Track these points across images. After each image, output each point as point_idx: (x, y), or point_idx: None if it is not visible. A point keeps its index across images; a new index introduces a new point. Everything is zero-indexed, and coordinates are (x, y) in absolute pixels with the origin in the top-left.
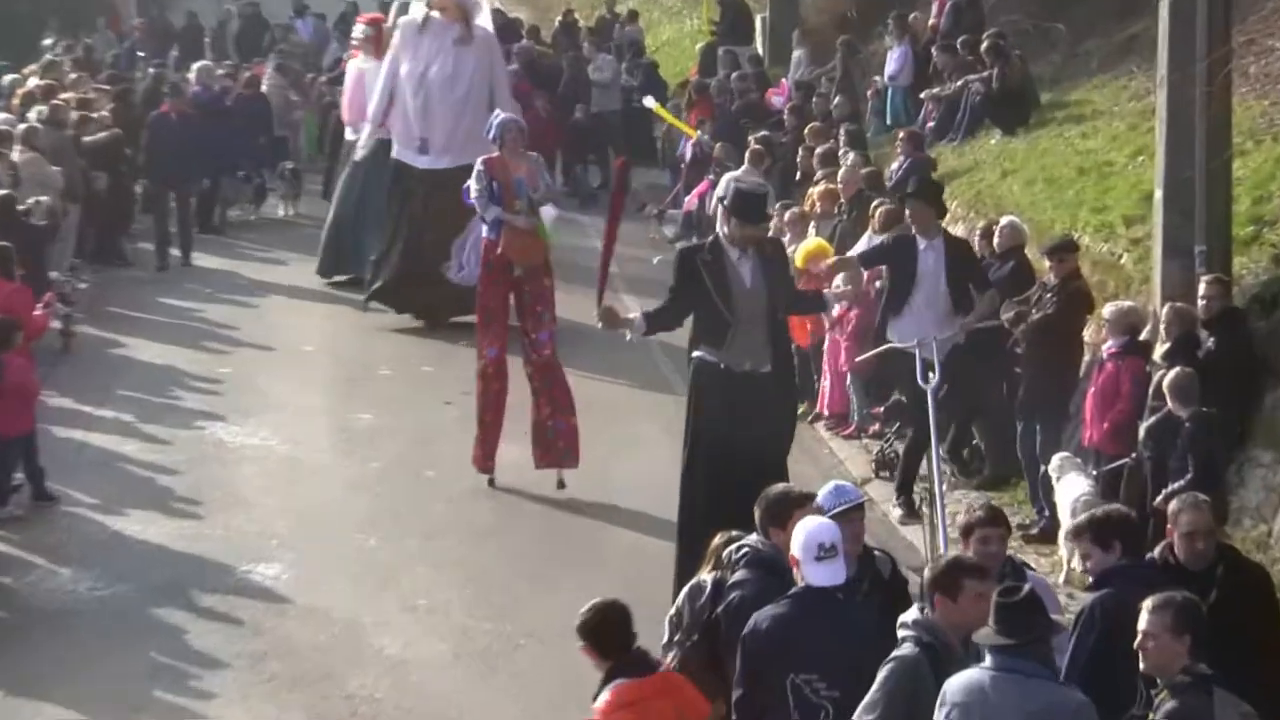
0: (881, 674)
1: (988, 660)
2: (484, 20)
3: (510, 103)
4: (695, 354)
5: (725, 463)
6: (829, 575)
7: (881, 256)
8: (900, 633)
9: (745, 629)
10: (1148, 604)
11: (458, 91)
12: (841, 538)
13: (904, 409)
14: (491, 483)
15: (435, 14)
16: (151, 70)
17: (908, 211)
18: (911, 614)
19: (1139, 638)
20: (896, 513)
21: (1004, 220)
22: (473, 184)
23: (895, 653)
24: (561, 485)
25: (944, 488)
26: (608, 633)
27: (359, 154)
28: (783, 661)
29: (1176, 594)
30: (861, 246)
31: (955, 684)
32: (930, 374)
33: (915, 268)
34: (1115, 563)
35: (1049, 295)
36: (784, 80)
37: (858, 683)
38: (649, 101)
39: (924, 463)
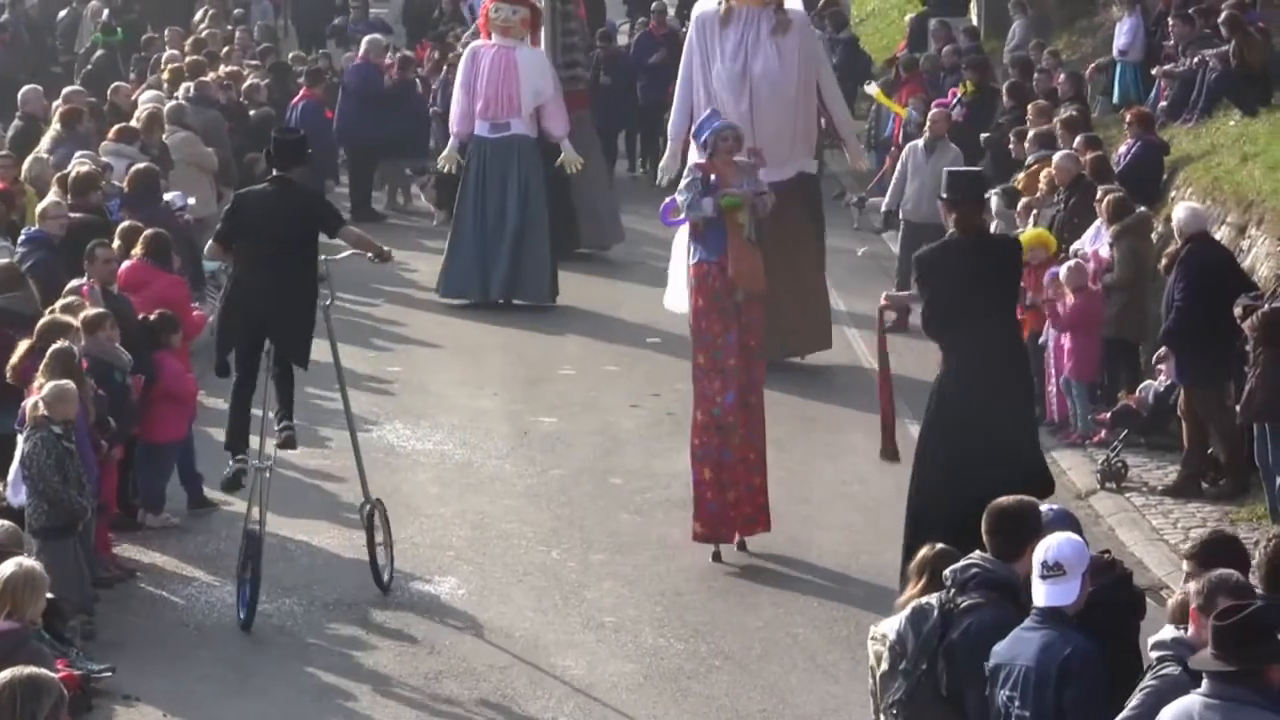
0: (1141, 694)
1: (1203, 686)
2: (793, 2)
3: (839, 100)
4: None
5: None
6: (1053, 595)
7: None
8: (1155, 653)
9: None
10: None
11: (788, 91)
12: (1078, 556)
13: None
14: (717, 556)
15: (737, 2)
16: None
17: None
18: (1168, 633)
19: None
20: None
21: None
22: (681, 188)
23: (1159, 671)
24: (742, 547)
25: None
26: None
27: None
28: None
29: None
30: (1089, 238)
31: (1170, 712)
32: None
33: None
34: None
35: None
36: (953, 89)
37: (1042, 704)
38: (870, 88)
39: None
